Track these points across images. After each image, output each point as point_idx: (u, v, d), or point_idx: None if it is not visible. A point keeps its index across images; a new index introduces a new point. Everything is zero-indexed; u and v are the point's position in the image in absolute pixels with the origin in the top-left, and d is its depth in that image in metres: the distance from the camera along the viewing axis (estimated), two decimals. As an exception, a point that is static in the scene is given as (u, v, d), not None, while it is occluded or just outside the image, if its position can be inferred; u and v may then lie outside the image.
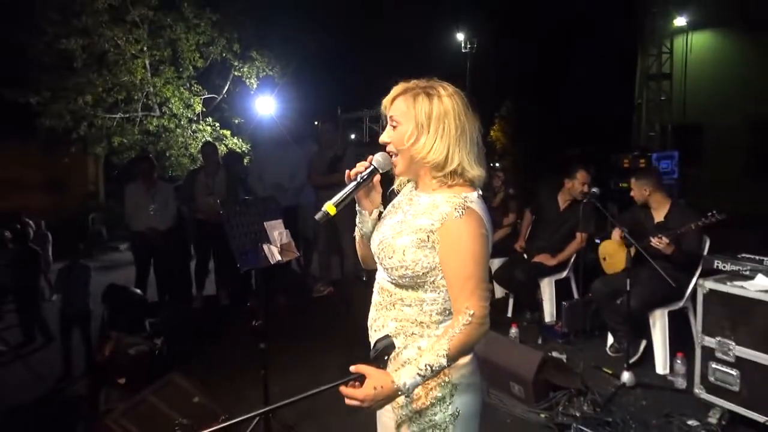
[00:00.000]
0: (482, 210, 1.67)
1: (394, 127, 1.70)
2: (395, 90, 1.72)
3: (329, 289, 6.60)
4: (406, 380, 1.56)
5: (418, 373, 1.56)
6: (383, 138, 1.74)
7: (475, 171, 1.69)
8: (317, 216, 1.69)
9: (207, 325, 5.84)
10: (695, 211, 4.29)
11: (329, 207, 1.67)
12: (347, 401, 1.54)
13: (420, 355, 1.62)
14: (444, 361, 1.58)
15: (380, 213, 1.85)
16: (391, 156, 1.74)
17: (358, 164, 1.76)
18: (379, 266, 1.80)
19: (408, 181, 1.85)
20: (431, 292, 1.69)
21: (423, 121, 1.65)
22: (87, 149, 12.59)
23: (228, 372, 4.40)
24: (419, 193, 1.76)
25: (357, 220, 1.87)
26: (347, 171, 1.76)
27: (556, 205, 5.43)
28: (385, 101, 1.74)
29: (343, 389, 1.54)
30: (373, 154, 1.76)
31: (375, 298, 1.83)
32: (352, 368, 1.57)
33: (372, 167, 1.74)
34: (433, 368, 1.57)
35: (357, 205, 1.83)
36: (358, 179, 1.72)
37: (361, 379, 1.56)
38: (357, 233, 1.91)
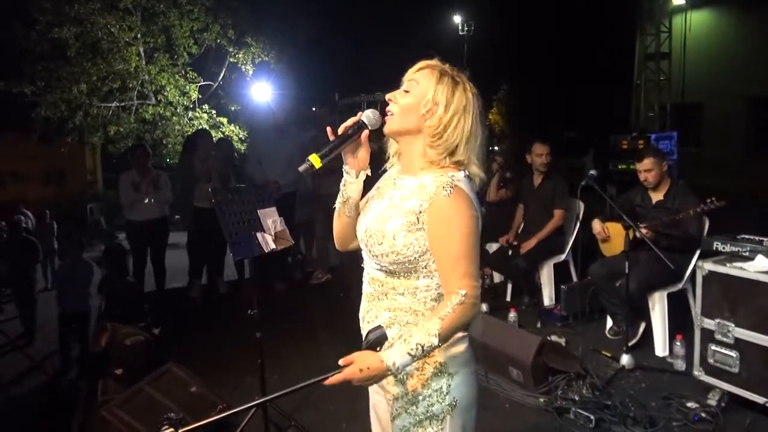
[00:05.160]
0: (470, 189, 1.63)
1: (407, 91, 1.66)
2: (426, 62, 1.68)
3: (327, 276, 6.58)
4: (396, 359, 1.50)
5: (408, 353, 1.50)
6: (391, 94, 1.69)
7: (478, 171, 1.67)
8: (301, 168, 1.62)
9: (204, 314, 5.82)
10: (694, 192, 4.26)
11: (314, 158, 1.61)
12: (330, 379, 1.51)
13: (410, 334, 1.55)
14: (435, 341, 1.51)
15: (367, 176, 1.78)
16: (386, 114, 1.69)
17: (348, 120, 1.71)
18: (366, 256, 1.74)
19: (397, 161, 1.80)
20: (424, 278, 1.64)
21: (440, 101, 1.61)
22: (83, 139, 12.57)
23: (226, 361, 4.38)
24: (404, 176, 1.71)
25: (341, 184, 1.79)
26: (329, 128, 1.71)
27: (531, 184, 5.46)
28: (412, 69, 1.69)
29: (328, 381, 1.51)
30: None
31: (366, 289, 1.77)
32: (341, 361, 1.53)
33: (360, 122, 1.69)
34: (425, 348, 1.51)
35: (344, 163, 1.76)
36: (347, 133, 1.68)
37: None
38: (339, 200, 1.81)
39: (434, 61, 1.68)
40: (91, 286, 5.01)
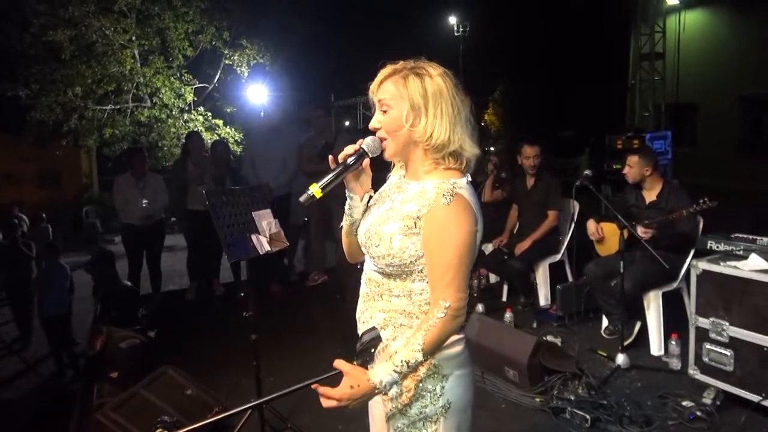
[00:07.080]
0: (471, 196, 1.62)
1: (385, 111, 1.65)
2: (383, 73, 1.66)
3: (323, 278, 6.56)
4: (383, 378, 1.53)
5: (394, 370, 1.54)
6: (373, 123, 1.69)
7: (474, 150, 1.67)
8: (302, 198, 1.63)
9: (200, 317, 5.81)
10: (686, 192, 4.28)
11: (316, 190, 1.62)
12: (324, 402, 1.53)
13: (396, 351, 1.59)
14: (419, 356, 1.55)
15: (370, 197, 1.79)
16: (381, 140, 1.69)
17: (346, 147, 1.70)
18: (366, 256, 1.76)
19: (401, 166, 1.81)
20: (419, 282, 1.65)
21: (419, 103, 1.60)
22: (78, 142, 12.52)
23: (221, 363, 4.37)
24: (408, 181, 1.72)
25: (346, 207, 1.81)
26: (330, 156, 1.71)
27: (524, 186, 5.48)
28: (373, 85, 1.68)
29: (319, 389, 1.53)
30: (363, 138, 1.71)
31: (363, 289, 1.79)
32: (335, 363, 1.55)
33: (361, 151, 1.68)
34: (410, 364, 1.55)
35: (347, 190, 1.77)
36: (348, 162, 1.67)
37: (340, 376, 1.54)
38: (346, 222, 1.84)
39: (389, 68, 1.66)
40: (66, 289, 4.99)
